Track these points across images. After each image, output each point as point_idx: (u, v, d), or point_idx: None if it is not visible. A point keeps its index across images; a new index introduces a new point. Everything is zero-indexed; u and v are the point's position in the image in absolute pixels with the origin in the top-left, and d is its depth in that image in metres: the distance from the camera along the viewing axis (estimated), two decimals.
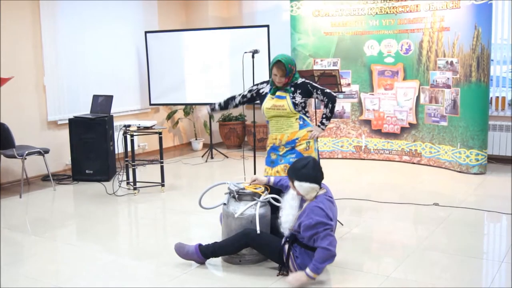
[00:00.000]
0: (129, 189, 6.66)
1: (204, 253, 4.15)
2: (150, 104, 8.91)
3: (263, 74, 7.90)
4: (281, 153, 4.66)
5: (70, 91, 7.76)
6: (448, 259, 4.26)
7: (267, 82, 4.80)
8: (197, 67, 8.65)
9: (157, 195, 6.45)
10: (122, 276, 4.11)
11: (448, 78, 7.37)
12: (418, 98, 7.79)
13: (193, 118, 9.56)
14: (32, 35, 7.26)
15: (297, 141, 4.61)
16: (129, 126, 6.50)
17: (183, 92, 8.73)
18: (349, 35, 8.12)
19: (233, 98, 4.93)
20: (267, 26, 8.18)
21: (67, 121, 7.37)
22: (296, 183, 3.83)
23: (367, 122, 8.22)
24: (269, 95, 4.67)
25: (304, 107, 4.64)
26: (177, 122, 9.54)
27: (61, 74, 7.63)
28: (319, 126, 4.68)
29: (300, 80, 4.66)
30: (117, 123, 7.77)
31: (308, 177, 3.80)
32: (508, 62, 7.70)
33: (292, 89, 4.61)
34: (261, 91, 4.78)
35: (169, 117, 9.38)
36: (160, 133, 6.58)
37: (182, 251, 4.21)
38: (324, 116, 4.66)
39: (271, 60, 4.61)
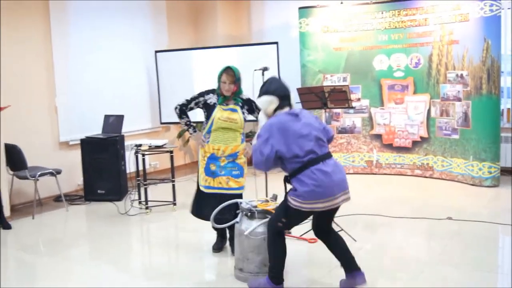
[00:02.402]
0: (141, 208, 6.65)
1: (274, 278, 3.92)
2: (161, 123, 8.96)
3: None
4: (221, 164, 4.72)
5: (82, 111, 7.81)
6: (462, 274, 4.22)
7: (212, 91, 4.85)
8: (207, 85, 8.64)
9: (169, 214, 6.45)
10: None
11: (458, 91, 7.34)
12: (429, 111, 7.77)
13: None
14: (44, 56, 7.34)
15: (238, 154, 4.74)
16: (140, 145, 6.53)
17: (194, 110, 8.70)
18: (358, 50, 8.13)
19: (183, 110, 4.93)
20: (276, 43, 8.21)
21: (78, 142, 7.41)
22: (257, 100, 3.96)
23: (378, 137, 8.20)
24: (218, 106, 4.74)
25: None
26: (188, 140, 9.55)
27: (72, 95, 7.69)
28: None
29: (245, 96, 4.78)
30: (128, 142, 7.81)
31: (265, 91, 3.91)
32: None
33: (240, 104, 4.71)
34: (208, 101, 4.83)
35: (179, 135, 9.41)
36: (171, 152, 6.61)
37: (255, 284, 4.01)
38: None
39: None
